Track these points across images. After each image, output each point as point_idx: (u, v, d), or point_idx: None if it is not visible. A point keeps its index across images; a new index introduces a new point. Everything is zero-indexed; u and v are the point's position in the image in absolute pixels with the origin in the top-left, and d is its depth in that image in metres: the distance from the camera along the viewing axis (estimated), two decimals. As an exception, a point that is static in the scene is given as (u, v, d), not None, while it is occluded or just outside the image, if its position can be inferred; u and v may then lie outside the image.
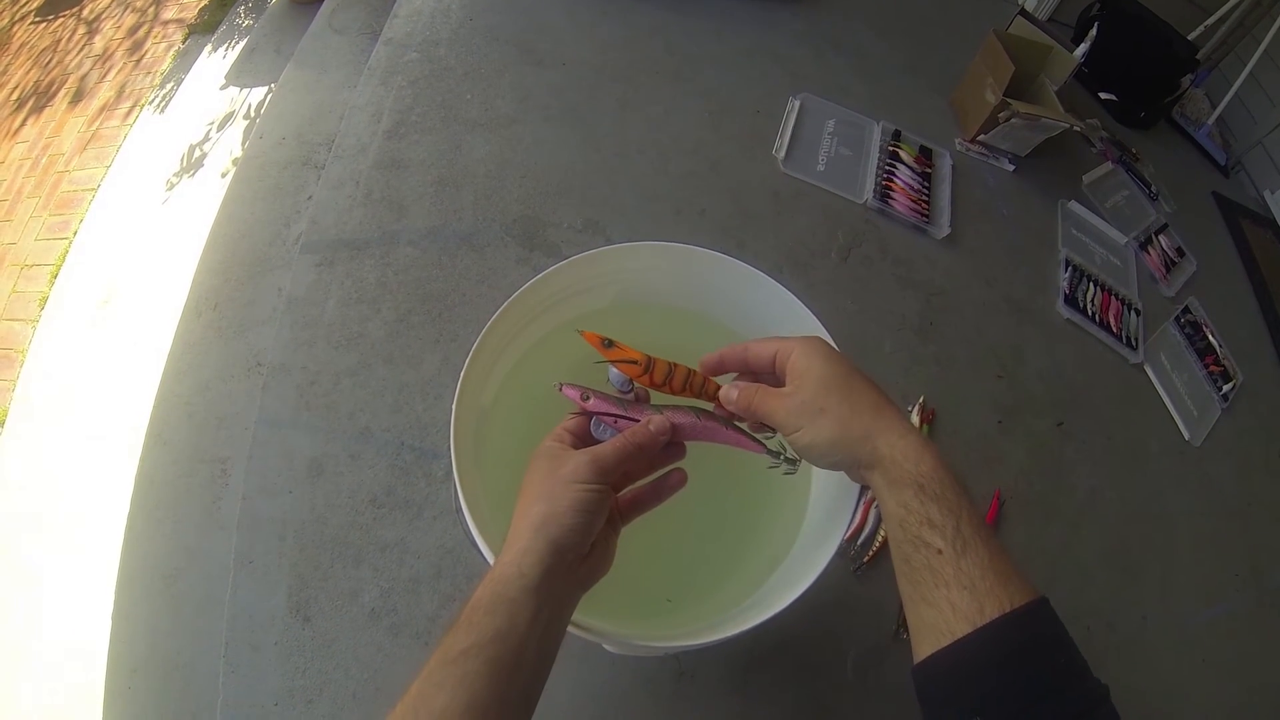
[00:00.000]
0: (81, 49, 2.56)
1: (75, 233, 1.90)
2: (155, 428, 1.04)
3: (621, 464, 0.43)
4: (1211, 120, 1.56)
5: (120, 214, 1.88)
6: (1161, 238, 1.28)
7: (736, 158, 1.13)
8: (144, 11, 2.64)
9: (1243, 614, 0.92)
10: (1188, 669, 0.85)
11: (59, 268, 1.83)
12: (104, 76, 2.41)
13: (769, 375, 0.47)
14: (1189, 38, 1.47)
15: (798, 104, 1.21)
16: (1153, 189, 1.37)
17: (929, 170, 1.19)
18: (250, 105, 1.80)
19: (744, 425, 0.48)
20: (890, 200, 1.12)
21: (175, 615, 0.92)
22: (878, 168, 1.16)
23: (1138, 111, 1.49)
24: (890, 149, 1.19)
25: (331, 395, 0.79)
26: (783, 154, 1.14)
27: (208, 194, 1.66)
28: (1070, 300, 1.10)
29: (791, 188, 1.11)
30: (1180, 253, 1.29)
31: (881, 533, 0.79)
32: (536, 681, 0.38)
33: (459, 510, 0.47)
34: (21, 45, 2.66)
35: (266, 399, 0.79)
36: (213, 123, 1.84)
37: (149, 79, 2.32)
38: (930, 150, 1.22)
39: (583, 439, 0.46)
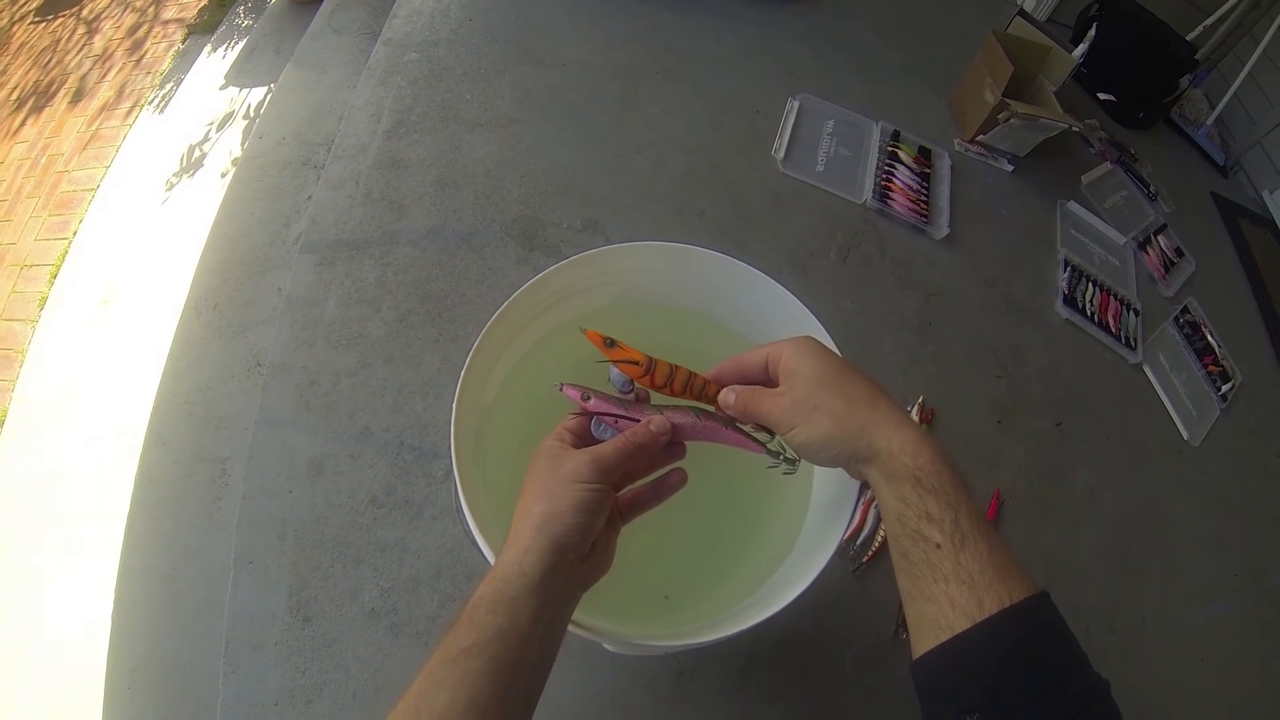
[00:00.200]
0: (81, 49, 2.56)
1: (75, 233, 1.90)
2: (155, 428, 1.04)
3: (622, 463, 0.43)
4: (1210, 121, 1.56)
5: (120, 214, 1.88)
6: (1160, 238, 1.29)
7: (736, 158, 1.13)
8: (144, 11, 2.64)
9: (1241, 613, 0.92)
10: (1187, 668, 0.85)
11: (59, 268, 1.83)
12: (104, 76, 2.40)
13: (764, 381, 0.47)
14: (1188, 38, 1.47)
15: (797, 104, 1.21)
16: (1151, 189, 1.37)
17: (928, 170, 1.19)
18: (250, 105, 1.80)
19: (745, 426, 0.48)
20: (889, 200, 1.13)
21: (175, 615, 0.92)
22: (877, 168, 1.16)
23: (1136, 112, 1.50)
24: (889, 149, 1.19)
25: (331, 395, 0.79)
26: (782, 154, 1.14)
27: (207, 194, 1.67)
28: (1069, 300, 1.10)
29: (791, 188, 1.11)
30: (1179, 253, 1.29)
31: (881, 532, 0.79)
32: (537, 680, 0.38)
33: (459, 510, 0.47)
34: (21, 45, 2.65)
35: (266, 399, 0.79)
36: (212, 123, 1.84)
37: (149, 79, 2.32)
38: (929, 150, 1.22)
39: (583, 438, 0.46)
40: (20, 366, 1.65)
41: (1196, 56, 1.46)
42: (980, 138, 1.25)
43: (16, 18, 2.79)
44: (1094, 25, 1.43)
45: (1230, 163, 1.57)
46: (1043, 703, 0.32)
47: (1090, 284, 1.14)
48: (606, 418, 0.46)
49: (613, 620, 0.46)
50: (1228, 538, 0.97)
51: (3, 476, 1.43)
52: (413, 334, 0.85)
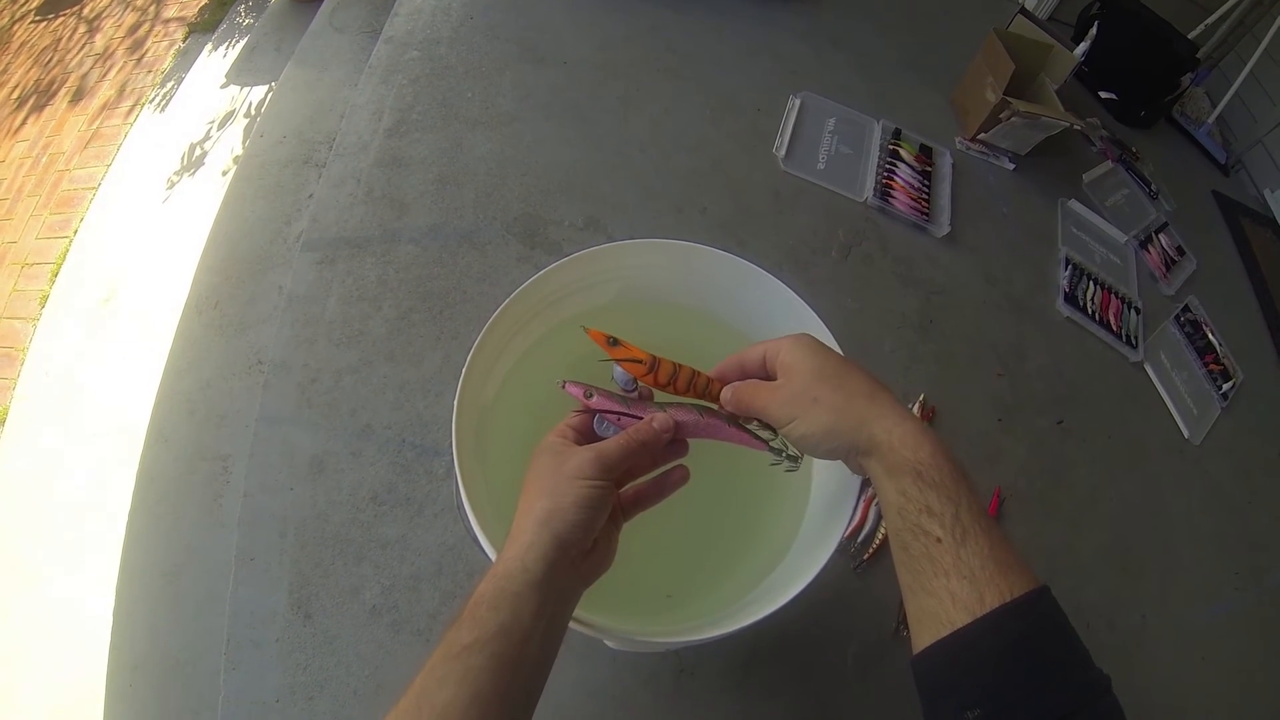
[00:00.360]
0: (82, 48, 2.56)
1: (76, 231, 1.90)
2: (156, 425, 1.04)
3: (625, 460, 0.43)
4: (1212, 119, 1.56)
5: (121, 212, 1.88)
6: (1161, 236, 1.28)
7: (737, 156, 1.13)
8: (144, 10, 2.64)
9: (1242, 612, 0.92)
10: (1187, 667, 0.85)
11: (59, 266, 1.83)
12: (105, 75, 2.40)
13: (763, 377, 0.47)
14: (1189, 36, 1.47)
15: (798, 102, 1.21)
16: (1153, 188, 1.37)
17: (929, 169, 1.19)
18: (251, 104, 1.80)
19: (747, 423, 0.48)
20: (890, 198, 1.12)
21: (177, 612, 0.92)
22: (878, 166, 1.16)
23: (1138, 110, 1.50)
24: (890, 147, 1.19)
25: (333, 393, 0.79)
26: (783, 152, 1.14)
27: (208, 192, 1.67)
28: (1070, 298, 1.10)
29: (792, 186, 1.11)
30: (1180, 251, 1.29)
31: (881, 530, 0.79)
32: (539, 677, 0.38)
33: (461, 507, 0.47)
34: (22, 44, 2.65)
35: (267, 396, 0.79)
36: (213, 121, 1.84)
37: (150, 77, 2.32)
38: (930, 149, 1.22)
39: (586, 435, 0.46)
40: (21, 365, 1.65)
41: (1198, 55, 1.46)
42: (981, 136, 1.25)
43: (17, 17, 2.79)
44: (1095, 24, 1.42)
45: (1232, 161, 1.57)
46: (1043, 698, 0.32)
47: (1091, 282, 1.14)
48: (609, 415, 0.46)
49: (614, 617, 0.46)
50: (1228, 536, 0.97)
51: (4, 474, 1.44)
52: (414, 332, 0.85)
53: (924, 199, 1.14)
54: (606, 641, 0.47)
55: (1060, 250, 1.17)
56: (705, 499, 0.59)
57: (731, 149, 1.13)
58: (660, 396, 0.48)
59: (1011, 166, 1.26)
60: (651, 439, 0.45)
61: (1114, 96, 1.51)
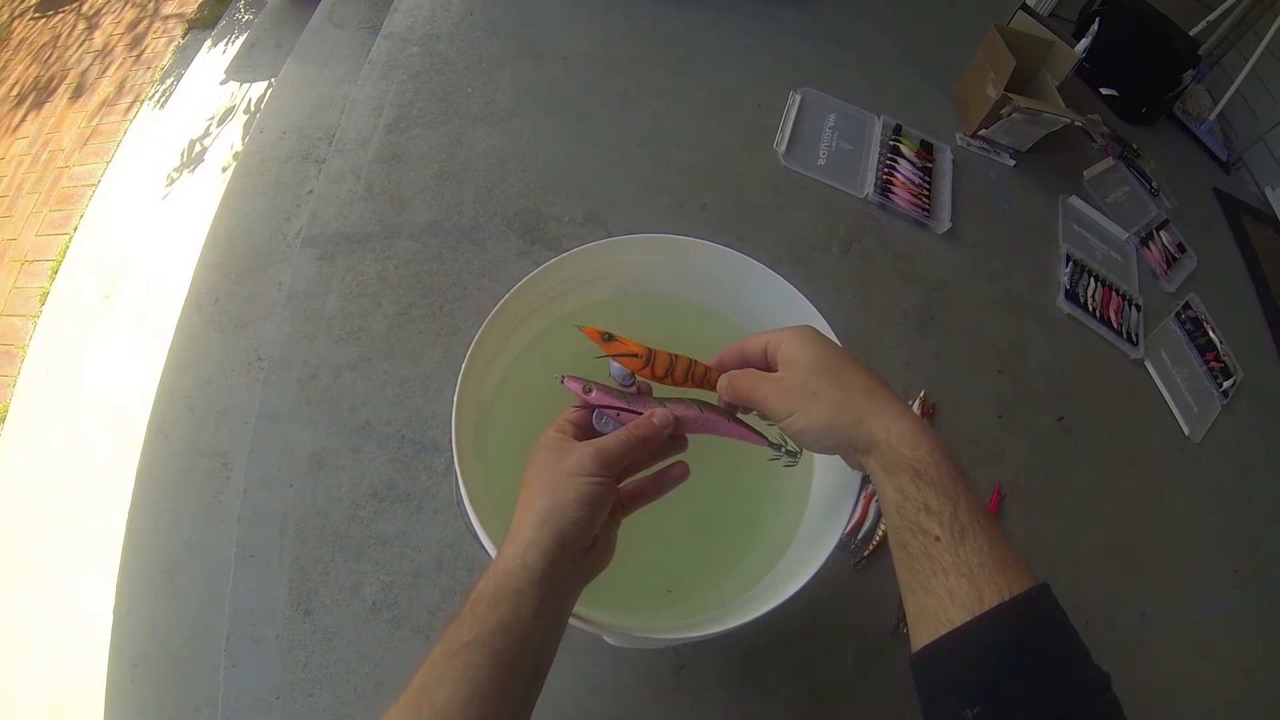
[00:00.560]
0: (81, 44, 2.55)
1: (76, 228, 1.90)
2: (156, 422, 1.04)
3: (625, 457, 0.43)
4: (1213, 116, 1.55)
5: (121, 209, 1.88)
6: (1162, 233, 1.28)
7: (737, 151, 1.12)
8: (144, 6, 2.63)
9: (1242, 609, 0.92)
10: (1187, 664, 0.85)
11: (59, 263, 1.83)
12: (104, 72, 2.40)
13: (764, 367, 0.47)
14: (1191, 33, 1.46)
15: (799, 98, 1.21)
16: (1154, 185, 1.37)
17: (930, 165, 1.19)
18: (250, 100, 1.80)
19: (747, 419, 0.48)
20: (891, 194, 1.12)
21: (176, 609, 0.92)
22: (879, 162, 1.16)
23: (1139, 107, 1.49)
24: (891, 143, 1.19)
25: (332, 389, 0.79)
26: (784, 148, 1.13)
27: (208, 189, 1.66)
28: (1071, 295, 1.10)
29: (792, 182, 1.11)
30: (1181, 248, 1.28)
31: (882, 527, 0.79)
32: (539, 674, 0.38)
33: (460, 503, 0.47)
34: (21, 41, 2.65)
35: (267, 393, 0.79)
36: (213, 117, 1.84)
37: (149, 74, 2.32)
38: (931, 145, 1.22)
39: (585, 430, 0.46)
40: (21, 362, 1.65)
41: (1199, 52, 1.45)
42: (982, 132, 1.25)
43: (16, 13, 2.78)
44: (1096, 20, 1.42)
45: (1233, 158, 1.56)
46: (1043, 695, 0.32)
47: (1092, 279, 1.14)
48: (609, 410, 0.46)
49: (614, 613, 0.46)
50: (1228, 534, 0.97)
51: (4, 471, 1.44)
52: (414, 328, 0.85)
53: (924, 195, 1.14)
54: (606, 638, 0.46)
55: (1061, 247, 1.17)
56: (705, 495, 0.59)
57: (732, 145, 1.13)
58: (660, 390, 0.48)
59: (1012, 163, 1.26)
60: (651, 434, 0.44)
61: (1115, 93, 1.50)
